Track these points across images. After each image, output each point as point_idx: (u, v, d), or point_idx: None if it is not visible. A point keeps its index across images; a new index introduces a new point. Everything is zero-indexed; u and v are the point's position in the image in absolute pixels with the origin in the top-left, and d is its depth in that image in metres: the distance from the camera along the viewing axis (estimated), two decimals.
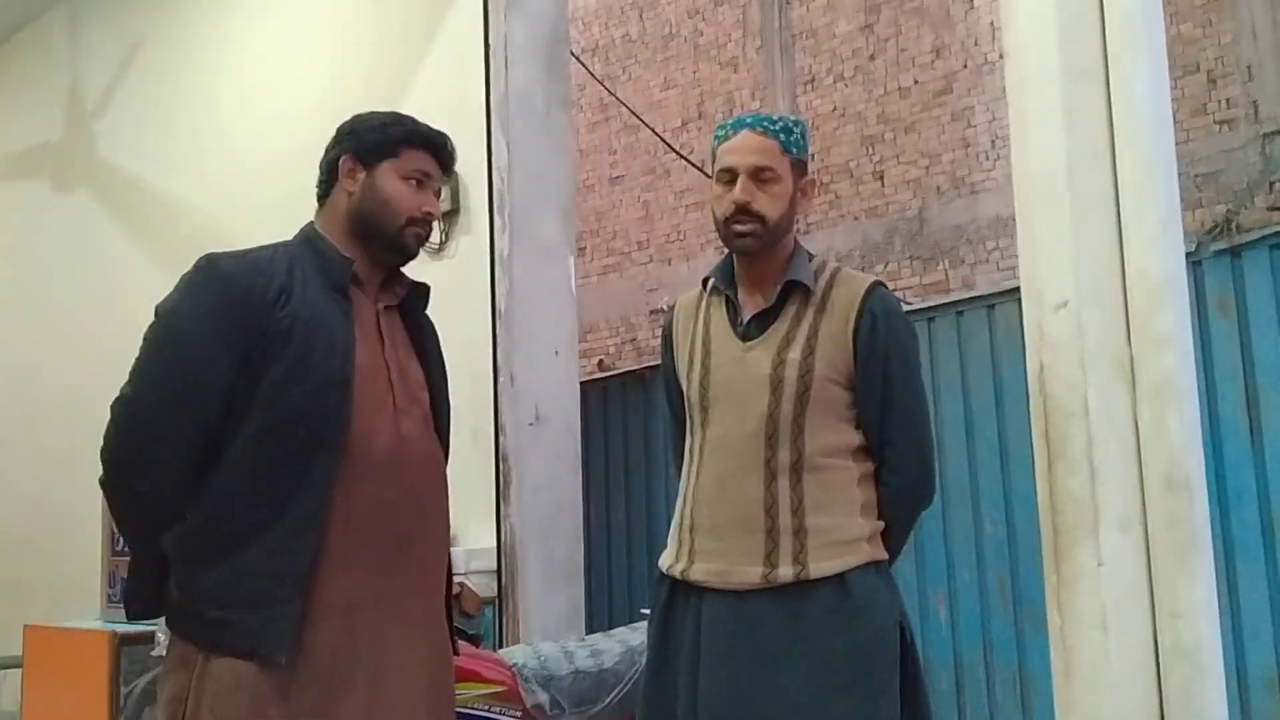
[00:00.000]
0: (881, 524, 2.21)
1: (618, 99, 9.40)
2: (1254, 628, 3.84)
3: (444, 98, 4.68)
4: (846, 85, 9.31)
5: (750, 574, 2.11)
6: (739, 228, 2.19)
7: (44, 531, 6.46)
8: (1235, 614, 3.62)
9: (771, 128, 2.22)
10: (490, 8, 4.60)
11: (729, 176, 2.21)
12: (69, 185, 7.21)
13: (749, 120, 2.25)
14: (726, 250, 2.31)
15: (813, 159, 2.20)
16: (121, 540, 3.36)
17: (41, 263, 7.39)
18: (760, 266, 2.25)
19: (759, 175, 2.19)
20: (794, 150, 2.22)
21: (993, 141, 8.38)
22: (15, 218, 7.77)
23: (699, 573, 2.18)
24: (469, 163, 4.55)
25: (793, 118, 2.29)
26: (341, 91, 4.94)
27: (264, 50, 5.99)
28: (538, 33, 4.68)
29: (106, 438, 1.99)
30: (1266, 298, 3.96)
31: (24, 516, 6.87)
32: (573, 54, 5.57)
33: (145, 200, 6.55)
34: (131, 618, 2.15)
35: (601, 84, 9.17)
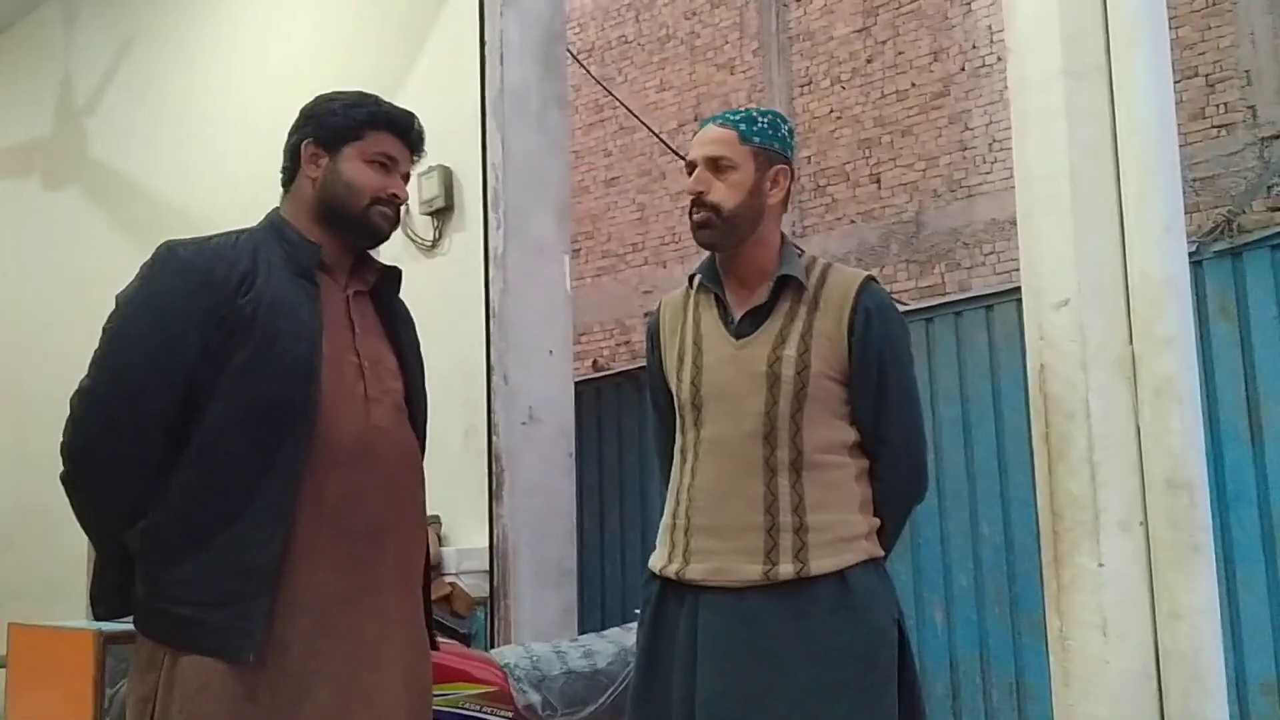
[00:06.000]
0: (878, 521, 2.19)
1: (615, 98, 9.37)
2: (1253, 632, 3.81)
3: (439, 94, 4.65)
4: (844, 88, 9.29)
5: (750, 571, 2.09)
6: (695, 217, 2.20)
7: (28, 532, 6.42)
8: (1234, 619, 3.59)
9: (731, 119, 2.22)
10: (486, 5, 4.58)
11: (690, 170, 2.22)
12: (59, 182, 7.17)
13: (713, 117, 2.25)
14: None
15: (790, 155, 2.15)
16: None
17: (30, 260, 7.34)
18: (744, 262, 2.23)
19: (715, 165, 2.19)
20: (756, 139, 2.19)
21: (990, 145, 8.36)
22: (4, 215, 7.73)
23: (696, 572, 2.14)
24: (463, 159, 4.53)
25: (765, 110, 2.27)
26: (335, 86, 4.90)
27: (256, 48, 5.96)
28: (533, 30, 4.65)
29: (65, 431, 1.95)
30: (1268, 300, 3.93)
31: (7, 518, 6.83)
32: (569, 53, 5.54)
33: (135, 198, 6.51)
34: (98, 618, 2.11)
35: (599, 82, 9.14)
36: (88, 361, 1.96)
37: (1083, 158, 2.39)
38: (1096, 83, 2.41)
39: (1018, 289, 2.51)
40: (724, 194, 2.17)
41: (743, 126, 2.19)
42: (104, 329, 1.98)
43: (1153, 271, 2.31)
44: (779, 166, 2.22)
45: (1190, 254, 3.48)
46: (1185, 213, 2.41)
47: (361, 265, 2.16)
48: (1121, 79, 2.39)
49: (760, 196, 2.19)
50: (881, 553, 2.18)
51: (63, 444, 1.95)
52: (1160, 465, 2.27)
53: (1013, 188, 2.50)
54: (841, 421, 2.17)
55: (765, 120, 2.22)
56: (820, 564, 2.08)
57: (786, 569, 2.07)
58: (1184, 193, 2.39)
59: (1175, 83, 2.48)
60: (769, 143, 2.21)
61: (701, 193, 2.18)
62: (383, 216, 2.10)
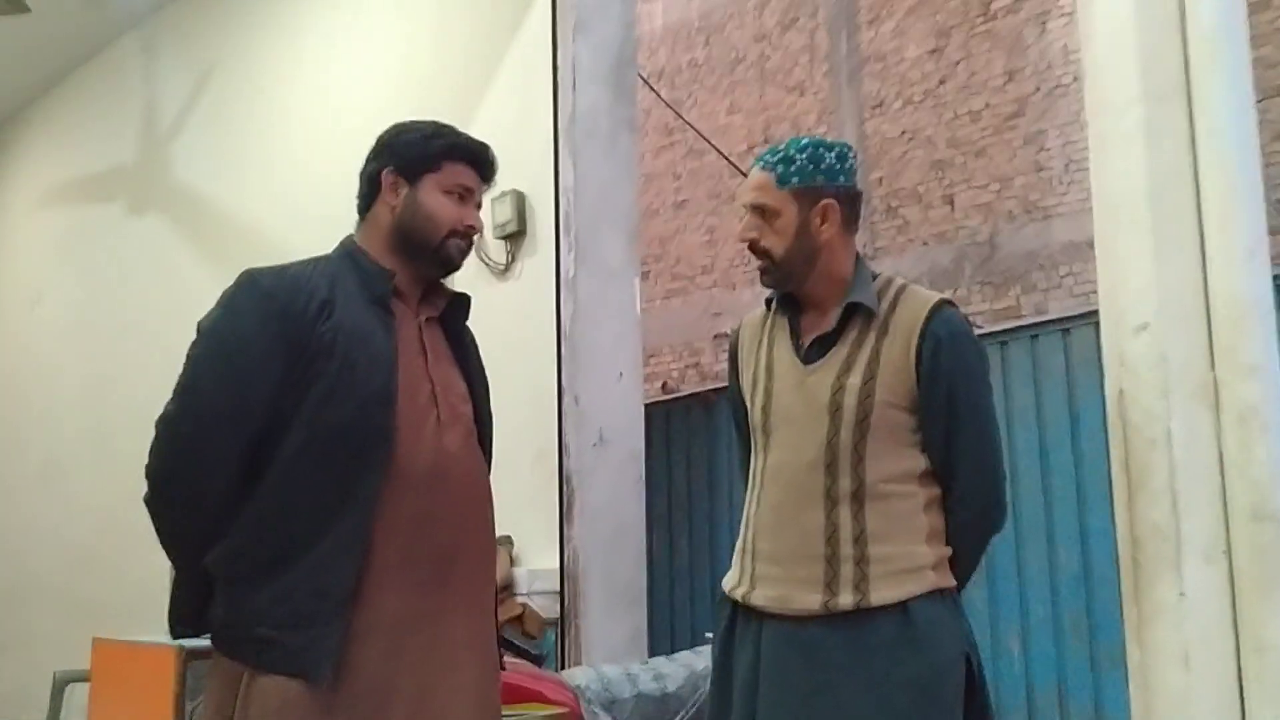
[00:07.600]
0: (949, 550, 2.15)
1: (685, 121, 9.40)
2: None
3: (511, 119, 4.71)
4: (915, 110, 9.22)
5: (810, 601, 2.08)
6: (757, 263, 2.22)
7: (112, 547, 6.55)
8: None
9: (770, 161, 2.19)
10: (558, 30, 4.63)
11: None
12: (142, 208, 7.35)
13: (760, 156, 2.24)
14: None
15: (840, 182, 2.07)
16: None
17: (114, 283, 7.53)
18: (813, 290, 2.22)
19: (760, 213, 2.19)
20: (795, 180, 2.16)
21: (1066, 165, 8.24)
22: (90, 239, 7.93)
23: (759, 598, 2.15)
24: (535, 184, 4.57)
25: (807, 143, 2.20)
26: (410, 112, 4.98)
27: (333, 73, 6.07)
28: (605, 55, 4.69)
29: (151, 456, 1.99)
30: None
31: (92, 532, 6.98)
32: (640, 77, 5.57)
33: (217, 222, 6.65)
34: (176, 637, 2.15)
35: (669, 106, 9.18)
36: (170, 380, 2.01)
37: (1162, 180, 2.35)
38: (1176, 104, 2.37)
39: (1095, 312, 2.47)
40: (773, 241, 2.18)
41: (779, 169, 2.17)
42: (188, 355, 2.02)
43: (1235, 296, 2.26)
44: (826, 201, 2.17)
45: (1274, 278, 3.40)
46: (1268, 235, 2.36)
47: (432, 291, 2.20)
48: (1201, 99, 2.35)
49: (810, 236, 2.17)
50: (951, 584, 2.14)
51: (146, 468, 2.00)
52: (1244, 495, 2.21)
53: (1089, 209, 2.46)
54: (911, 450, 2.14)
55: (804, 156, 2.17)
56: (881, 595, 2.05)
57: (846, 600, 2.05)
58: (1266, 215, 2.34)
59: (1257, 101, 2.44)
60: (809, 180, 2.16)
61: (754, 239, 2.19)
62: (458, 249, 2.15)
